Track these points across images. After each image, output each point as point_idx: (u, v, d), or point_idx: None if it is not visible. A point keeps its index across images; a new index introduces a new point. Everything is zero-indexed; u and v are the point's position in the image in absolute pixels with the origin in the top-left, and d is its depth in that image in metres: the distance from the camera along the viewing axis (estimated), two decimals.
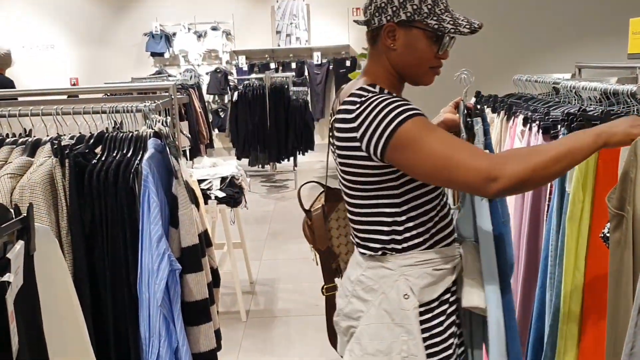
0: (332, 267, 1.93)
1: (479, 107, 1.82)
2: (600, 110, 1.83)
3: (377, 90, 1.52)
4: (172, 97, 2.40)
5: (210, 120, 9.07)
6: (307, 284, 4.42)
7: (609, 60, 2.86)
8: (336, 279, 1.94)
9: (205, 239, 2.19)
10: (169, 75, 8.96)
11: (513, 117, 2.16)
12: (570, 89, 2.15)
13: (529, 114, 2.08)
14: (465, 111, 1.85)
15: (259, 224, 6.15)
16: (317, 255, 1.96)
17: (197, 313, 2.00)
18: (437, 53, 1.53)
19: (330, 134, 1.65)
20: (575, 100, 2.20)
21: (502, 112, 2.41)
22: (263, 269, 4.86)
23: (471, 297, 1.61)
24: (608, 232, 1.37)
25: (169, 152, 2.04)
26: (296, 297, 4.26)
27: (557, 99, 2.30)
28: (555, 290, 1.91)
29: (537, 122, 1.98)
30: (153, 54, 10.33)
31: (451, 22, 1.49)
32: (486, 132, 1.75)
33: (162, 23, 10.22)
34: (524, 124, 2.08)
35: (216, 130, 10.10)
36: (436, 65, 1.56)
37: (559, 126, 1.82)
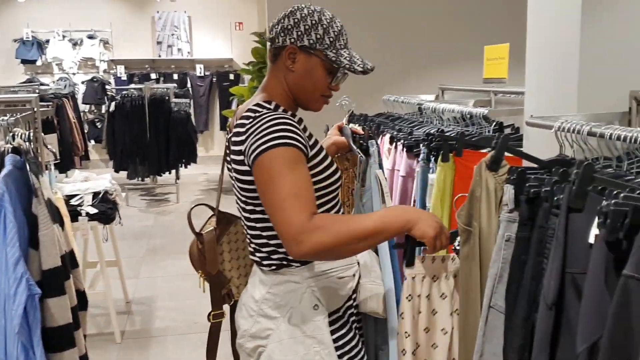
0: (221, 293, 1.89)
1: (369, 130, 1.95)
2: (457, 132, 1.96)
3: (272, 107, 1.54)
4: (35, 109, 2.28)
5: (86, 131, 8.71)
6: (186, 301, 4.32)
7: (468, 84, 3.08)
8: (224, 306, 1.91)
9: (70, 260, 2.09)
10: (41, 84, 8.51)
11: (381, 136, 2.25)
12: (432, 110, 2.29)
13: (395, 133, 2.18)
14: (355, 135, 2.02)
15: (137, 240, 5.94)
16: (205, 282, 1.90)
17: (59, 339, 1.90)
18: (330, 84, 1.60)
19: (227, 152, 1.65)
20: (437, 120, 2.34)
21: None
22: (140, 287, 4.69)
23: (371, 302, 1.71)
24: (459, 245, 1.47)
25: (28, 168, 1.93)
26: (174, 315, 4.15)
27: (421, 119, 2.44)
28: None
29: (402, 141, 2.08)
30: (24, 61, 9.83)
31: (347, 59, 1.56)
32: (379, 153, 1.89)
33: (34, 29, 9.72)
34: (390, 143, 2.19)
35: (92, 142, 9.70)
36: (327, 95, 1.63)
37: (421, 145, 1.93)
